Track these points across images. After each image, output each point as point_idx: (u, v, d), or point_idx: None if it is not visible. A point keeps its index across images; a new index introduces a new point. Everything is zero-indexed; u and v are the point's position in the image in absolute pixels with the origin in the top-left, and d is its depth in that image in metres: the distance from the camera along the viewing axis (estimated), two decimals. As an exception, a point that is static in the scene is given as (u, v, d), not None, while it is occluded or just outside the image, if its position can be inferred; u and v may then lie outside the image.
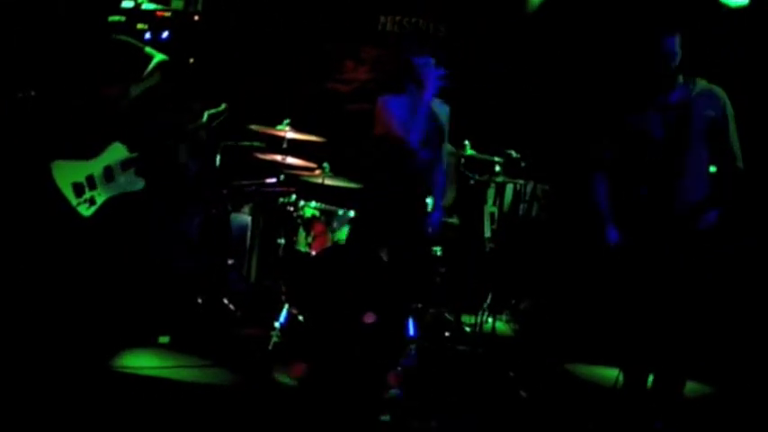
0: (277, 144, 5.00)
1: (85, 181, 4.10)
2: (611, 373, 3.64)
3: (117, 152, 4.20)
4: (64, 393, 3.24)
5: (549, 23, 6.06)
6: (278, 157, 5.00)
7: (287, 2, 6.23)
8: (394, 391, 3.81)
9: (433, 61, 4.01)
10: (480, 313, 5.16)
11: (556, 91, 5.98)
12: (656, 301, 3.44)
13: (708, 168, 3.51)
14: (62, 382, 3.36)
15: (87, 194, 4.09)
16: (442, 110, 4.23)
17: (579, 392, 4.34)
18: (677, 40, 3.43)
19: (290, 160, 5.06)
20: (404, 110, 4.02)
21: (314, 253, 4.68)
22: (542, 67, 6.04)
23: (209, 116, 4.61)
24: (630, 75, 3.68)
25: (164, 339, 4.05)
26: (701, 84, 3.49)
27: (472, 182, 5.20)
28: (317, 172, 5.09)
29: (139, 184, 4.24)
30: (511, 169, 5.25)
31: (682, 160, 3.41)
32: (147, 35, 4.27)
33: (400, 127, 3.97)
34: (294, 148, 5.06)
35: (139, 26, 4.28)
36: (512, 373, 4.30)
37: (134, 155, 4.21)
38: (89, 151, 4.13)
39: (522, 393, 3.99)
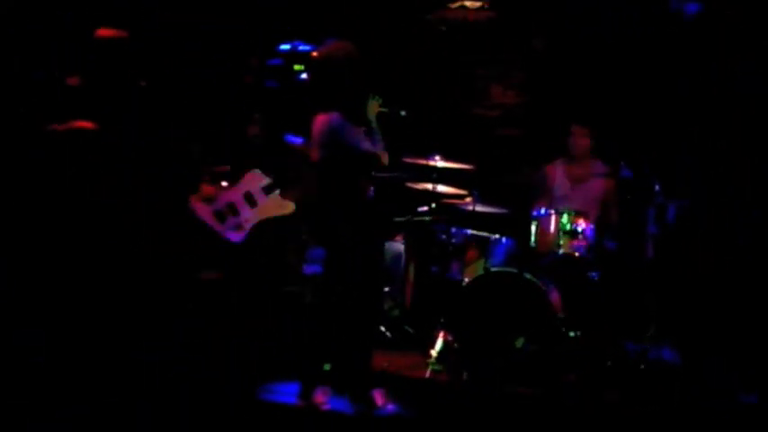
0: (427, 173, 5.06)
1: (227, 208, 4.27)
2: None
3: (255, 178, 4.34)
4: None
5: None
6: (428, 186, 5.07)
7: (433, 31, 6.31)
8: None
9: None
10: (644, 341, 4.92)
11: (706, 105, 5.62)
12: None
13: None
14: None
15: (232, 221, 4.27)
16: None
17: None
18: None
19: (441, 188, 5.11)
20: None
21: (467, 280, 4.69)
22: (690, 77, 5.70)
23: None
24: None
25: None
26: None
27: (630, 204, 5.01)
28: (468, 199, 5.10)
29: (289, 207, 4.28)
30: (671, 189, 5.00)
31: None
32: (303, 75, 4.46)
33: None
34: (444, 176, 5.10)
35: (296, 67, 4.49)
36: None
37: (272, 180, 4.28)
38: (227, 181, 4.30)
39: None
